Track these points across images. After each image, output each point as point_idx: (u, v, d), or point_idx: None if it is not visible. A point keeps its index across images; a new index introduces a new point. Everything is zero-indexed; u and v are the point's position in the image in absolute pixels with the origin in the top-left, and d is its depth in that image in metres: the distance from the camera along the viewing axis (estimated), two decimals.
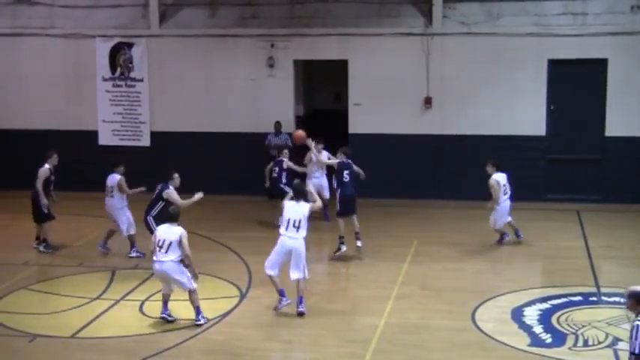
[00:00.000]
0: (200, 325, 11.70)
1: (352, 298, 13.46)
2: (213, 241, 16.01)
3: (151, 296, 12.95)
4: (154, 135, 19.92)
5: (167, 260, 11.57)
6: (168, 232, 11.61)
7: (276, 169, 16.95)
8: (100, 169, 19.56)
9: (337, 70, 19.57)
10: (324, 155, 16.45)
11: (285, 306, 12.26)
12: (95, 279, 13.67)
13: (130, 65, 19.92)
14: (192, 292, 11.78)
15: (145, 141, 19.99)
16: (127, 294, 13.17)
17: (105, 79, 20.03)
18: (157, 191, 13.88)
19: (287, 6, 19.42)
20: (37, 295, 13.11)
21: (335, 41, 19.18)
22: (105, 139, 20.12)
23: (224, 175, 19.42)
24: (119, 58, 19.99)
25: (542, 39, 18.41)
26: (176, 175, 13.88)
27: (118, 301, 12.83)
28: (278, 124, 19.18)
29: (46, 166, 15.10)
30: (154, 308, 12.44)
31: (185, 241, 11.59)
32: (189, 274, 11.70)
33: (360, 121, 19.30)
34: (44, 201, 15.00)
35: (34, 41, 20.09)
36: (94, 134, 20.11)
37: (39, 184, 14.97)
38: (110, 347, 11.29)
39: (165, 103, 19.82)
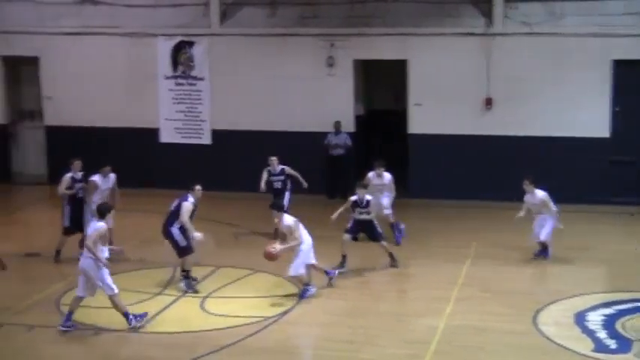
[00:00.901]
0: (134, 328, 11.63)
1: (411, 299, 13.42)
2: (274, 240, 16.05)
3: (212, 293, 13.06)
4: (215, 133, 20.08)
5: (86, 257, 11.50)
6: (92, 227, 11.55)
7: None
8: (161, 166, 19.93)
9: (396, 70, 19.52)
10: (386, 178, 15.96)
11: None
12: (157, 275, 13.81)
13: (191, 64, 20.11)
14: (112, 297, 11.61)
15: (206, 139, 20.16)
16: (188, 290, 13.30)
17: (166, 78, 20.25)
18: (177, 202, 13.27)
19: (347, 5, 19.41)
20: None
21: (394, 41, 19.12)
22: (167, 136, 20.34)
23: None
24: (180, 56, 20.18)
25: (605, 39, 18.12)
26: (198, 188, 13.34)
27: (179, 298, 12.96)
28: (337, 124, 19.20)
29: (69, 174, 14.87)
30: (215, 305, 12.56)
31: (94, 235, 11.35)
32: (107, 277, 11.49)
33: (420, 122, 19.22)
34: (66, 209, 14.79)
35: (97, 40, 20.37)
36: (155, 132, 20.34)
37: (61, 192, 14.78)
38: (171, 342, 11.43)
39: (226, 102, 19.96)
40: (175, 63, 20.20)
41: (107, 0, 20.33)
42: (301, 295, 12.81)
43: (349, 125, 19.51)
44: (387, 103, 21.42)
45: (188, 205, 13.07)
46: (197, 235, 13.05)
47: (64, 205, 14.77)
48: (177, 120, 20.26)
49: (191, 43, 20.09)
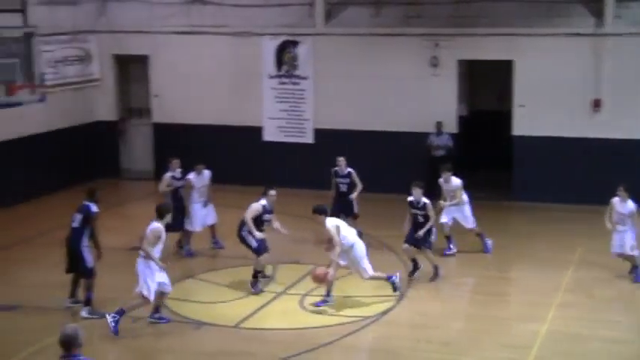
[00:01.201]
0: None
1: (512, 303, 13.22)
2: (373, 240, 16.03)
3: (311, 291, 13.13)
4: (317, 132, 20.18)
5: (140, 256, 11.59)
6: (148, 227, 11.59)
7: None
8: (264, 164, 20.15)
9: (500, 70, 19.24)
10: (453, 183, 15.13)
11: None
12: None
13: (295, 63, 20.26)
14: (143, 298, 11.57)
15: (309, 138, 20.28)
16: (288, 288, 13.42)
17: (271, 77, 20.45)
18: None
19: (452, 5, 19.23)
20: (204, 285, 13.55)
21: (500, 41, 18.84)
22: (270, 135, 20.55)
23: (383, 174, 19.47)
24: (285, 56, 20.36)
25: None
26: (272, 193, 13.17)
27: (279, 295, 13.08)
28: (439, 124, 19.06)
29: (169, 173, 15.15)
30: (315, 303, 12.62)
31: (152, 237, 11.42)
32: (148, 280, 11.45)
33: (525, 123, 18.88)
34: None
35: (204, 39, 20.73)
36: (259, 130, 20.58)
37: (162, 190, 15.05)
38: (271, 338, 11.55)
39: (329, 101, 20.04)
40: (280, 62, 20.38)
41: (215, 0, 20.67)
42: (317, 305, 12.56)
43: (452, 126, 19.34)
44: (491, 103, 21.16)
45: (256, 205, 13.07)
46: (276, 225, 13.32)
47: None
48: (280, 119, 20.45)
49: (295, 43, 20.24)
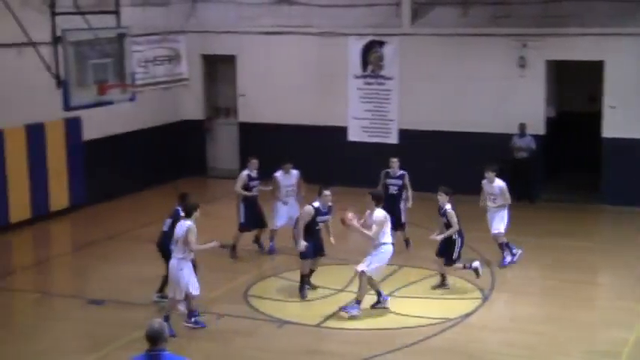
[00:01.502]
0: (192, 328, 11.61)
1: (600, 308, 12.94)
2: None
3: (393, 292, 13.09)
4: (402, 133, 20.11)
5: (174, 257, 11.41)
6: (180, 228, 11.38)
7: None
8: (348, 164, 20.17)
9: (590, 71, 18.85)
10: (497, 186, 14.45)
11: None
12: (342, 271, 13.89)
13: (381, 63, 20.22)
14: (189, 297, 11.52)
15: (393, 138, 20.21)
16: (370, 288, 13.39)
17: (356, 77, 20.47)
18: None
19: (541, 5, 18.94)
20: (287, 283, 13.64)
21: (590, 41, 18.46)
22: (354, 135, 20.57)
23: (467, 175, 19.29)
24: (371, 56, 20.34)
25: None
26: (326, 193, 12.76)
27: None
28: (522, 126, 18.75)
29: (245, 171, 15.03)
30: (396, 304, 12.58)
31: (192, 236, 11.22)
32: (190, 279, 11.35)
33: (615, 125, 18.45)
34: (241, 207, 14.87)
35: (291, 39, 20.87)
36: (343, 130, 20.61)
37: (238, 189, 14.93)
38: (352, 339, 11.57)
39: (414, 102, 19.95)
40: (365, 62, 20.37)
41: (302, 0, 20.80)
42: (344, 307, 12.28)
43: (539, 127, 19.03)
44: (579, 105, 20.75)
45: (308, 209, 12.80)
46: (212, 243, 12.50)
47: (239, 202, 14.97)
48: (364, 119, 20.44)
49: (382, 43, 20.20)
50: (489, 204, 14.48)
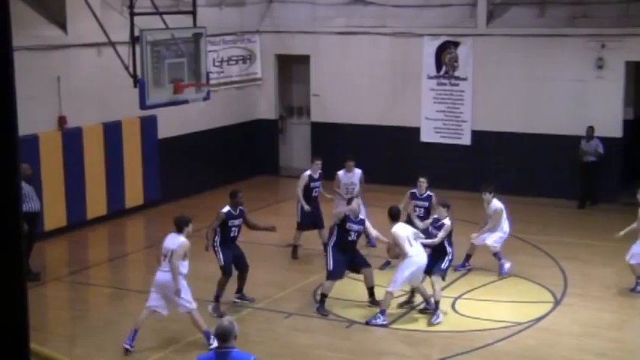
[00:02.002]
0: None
1: None
2: (529, 244, 15.73)
3: (463, 294, 13.00)
4: (475, 134, 19.92)
5: (168, 270, 10.90)
6: (172, 241, 10.94)
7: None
8: (420, 165, 20.07)
9: None
10: (492, 207, 13.94)
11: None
12: None
13: (455, 64, 20.07)
14: (191, 313, 10.96)
15: (466, 140, 20.04)
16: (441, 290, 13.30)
17: (430, 77, 20.36)
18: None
19: (621, 5, 18.56)
20: (355, 284, 13.61)
21: None
22: (427, 136, 20.45)
23: (540, 177, 19.06)
24: (445, 56, 20.19)
25: None
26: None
27: (430, 297, 12.99)
28: (590, 130, 18.35)
29: (307, 172, 14.89)
30: (466, 306, 12.50)
31: (181, 251, 10.76)
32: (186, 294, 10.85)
33: None
34: (305, 207, 14.67)
35: (364, 40, 20.87)
36: (416, 131, 20.53)
37: (298, 190, 14.82)
38: (422, 340, 11.52)
39: (488, 103, 19.75)
40: (439, 63, 20.24)
41: (377, 0, 20.78)
42: (369, 320, 11.98)
43: (617, 130, 18.66)
44: None
45: (339, 212, 12.52)
46: (375, 233, 12.55)
47: (298, 201, 14.83)
48: (437, 120, 20.32)
49: (456, 44, 20.05)
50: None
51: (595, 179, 18.31)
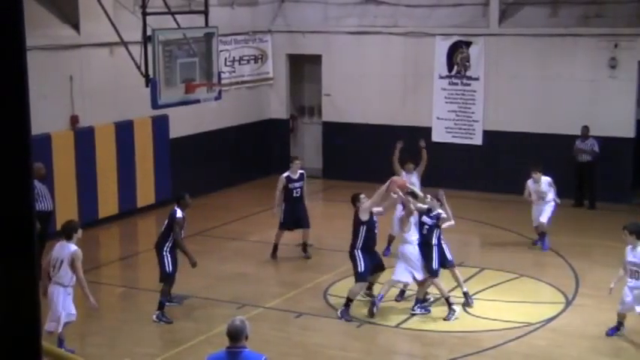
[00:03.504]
0: None
1: None
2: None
3: (473, 294, 12.97)
4: (487, 134, 19.88)
5: (55, 283, 10.42)
6: (61, 251, 10.45)
7: None
8: (432, 165, 20.03)
9: None
10: (545, 183, 15.27)
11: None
12: None
13: (467, 64, 20.03)
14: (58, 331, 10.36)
15: (477, 139, 20.00)
16: (451, 290, 13.28)
17: (441, 77, 20.32)
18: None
19: (634, 4, 18.50)
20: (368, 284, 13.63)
21: None
22: (438, 135, 20.42)
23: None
24: (457, 56, 20.16)
25: None
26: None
27: (439, 298, 12.97)
28: (585, 129, 18.28)
29: (285, 174, 14.85)
30: (477, 307, 12.47)
31: (77, 263, 10.32)
32: (70, 307, 10.42)
33: None
34: (274, 210, 14.83)
35: (377, 39, 20.85)
36: (428, 130, 20.48)
37: (277, 192, 14.83)
38: (433, 340, 11.51)
39: (500, 103, 19.71)
40: (451, 62, 20.21)
41: (389, 0, 20.76)
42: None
43: (629, 130, 18.59)
44: None
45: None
46: (449, 223, 12.45)
47: (278, 203, 14.81)
48: (448, 119, 20.29)
49: (468, 43, 20.01)
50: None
51: (590, 179, 18.25)
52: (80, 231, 10.70)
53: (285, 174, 14.89)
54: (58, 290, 10.42)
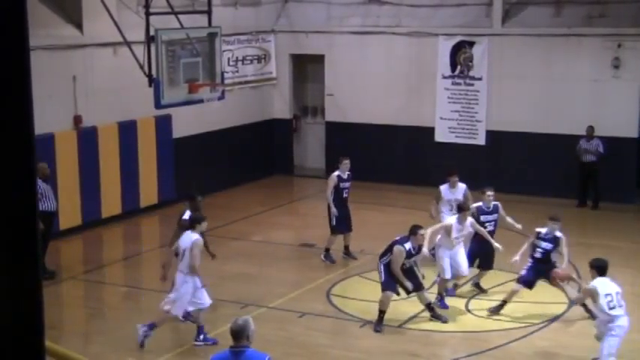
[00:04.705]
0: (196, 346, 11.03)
1: None
2: None
3: (477, 294, 12.97)
4: (490, 134, 19.86)
5: (179, 270, 10.96)
6: (185, 240, 10.99)
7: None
8: (435, 165, 20.04)
9: None
10: (461, 191, 14.24)
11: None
12: (426, 273, 13.84)
13: (470, 64, 20.01)
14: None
15: (480, 140, 19.98)
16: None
17: (444, 77, 20.31)
18: (392, 243, 11.93)
19: (638, 4, 18.47)
20: (370, 284, 13.63)
21: None
22: (441, 135, 20.40)
23: (553, 178, 18.97)
24: (460, 56, 20.13)
25: None
26: (421, 232, 11.64)
27: (443, 297, 12.97)
28: (590, 129, 18.25)
29: (336, 172, 14.54)
30: (480, 307, 12.46)
31: (195, 250, 10.80)
32: (201, 297, 10.92)
33: None
34: (333, 210, 14.35)
35: (380, 39, 20.83)
36: (431, 131, 20.48)
37: (328, 192, 14.47)
38: (435, 340, 11.51)
39: (503, 103, 19.69)
40: (454, 62, 20.19)
41: (392, 0, 20.75)
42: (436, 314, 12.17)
43: (633, 130, 18.57)
44: None
45: (399, 250, 11.65)
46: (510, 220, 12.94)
47: (329, 205, 14.46)
48: (451, 119, 20.27)
49: (471, 43, 19.99)
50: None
51: (594, 179, 18.22)
52: (205, 224, 11.25)
53: (336, 173, 14.49)
54: (182, 278, 10.92)
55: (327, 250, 14.60)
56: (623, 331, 9.94)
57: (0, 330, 2.35)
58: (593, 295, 9.97)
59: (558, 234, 12.13)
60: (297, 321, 12.05)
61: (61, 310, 13.00)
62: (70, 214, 16.14)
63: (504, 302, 12.20)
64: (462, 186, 14.23)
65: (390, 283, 11.73)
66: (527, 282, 12.11)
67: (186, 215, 12.10)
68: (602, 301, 9.83)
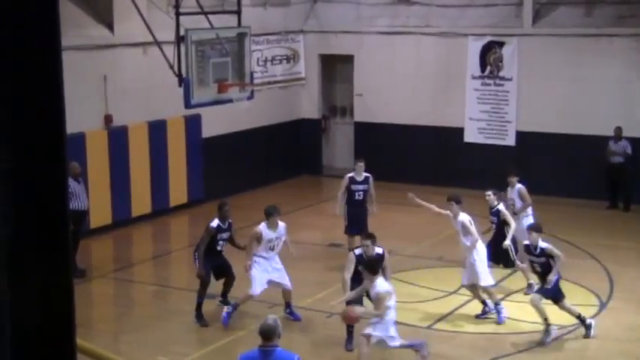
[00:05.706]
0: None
1: None
2: (574, 247, 15.54)
3: (505, 297, 12.90)
4: (520, 134, 19.76)
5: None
6: (282, 231, 12.40)
7: None
8: (464, 165, 19.97)
9: None
10: (515, 191, 13.91)
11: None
12: (452, 274, 13.78)
13: (500, 64, 19.92)
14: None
15: (510, 140, 19.88)
16: None
17: (474, 78, 20.22)
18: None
19: None
20: (397, 284, 13.58)
21: None
22: (470, 136, 20.32)
23: (584, 179, 18.82)
24: (489, 56, 20.05)
25: None
26: (360, 164, 12.45)
27: (472, 299, 12.92)
28: (618, 130, 18.06)
29: (349, 174, 14.36)
30: (508, 309, 12.39)
31: (251, 240, 12.07)
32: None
33: None
34: (337, 210, 14.37)
35: (408, 39, 20.80)
36: (460, 131, 20.40)
37: (339, 193, 14.40)
38: (463, 342, 11.47)
39: (533, 103, 19.58)
40: (484, 63, 20.10)
41: (421, 0, 20.70)
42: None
43: None
44: None
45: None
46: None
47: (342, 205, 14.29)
48: (480, 120, 20.19)
49: (501, 44, 19.89)
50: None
51: (623, 181, 18.04)
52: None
53: (350, 174, 14.35)
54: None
55: (350, 250, 14.47)
56: None
57: (32, 328, 2.37)
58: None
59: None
60: (324, 321, 12.04)
61: (91, 308, 13.10)
62: (100, 213, 16.26)
63: None
64: (519, 185, 14.09)
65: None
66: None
67: (214, 223, 12.06)
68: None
